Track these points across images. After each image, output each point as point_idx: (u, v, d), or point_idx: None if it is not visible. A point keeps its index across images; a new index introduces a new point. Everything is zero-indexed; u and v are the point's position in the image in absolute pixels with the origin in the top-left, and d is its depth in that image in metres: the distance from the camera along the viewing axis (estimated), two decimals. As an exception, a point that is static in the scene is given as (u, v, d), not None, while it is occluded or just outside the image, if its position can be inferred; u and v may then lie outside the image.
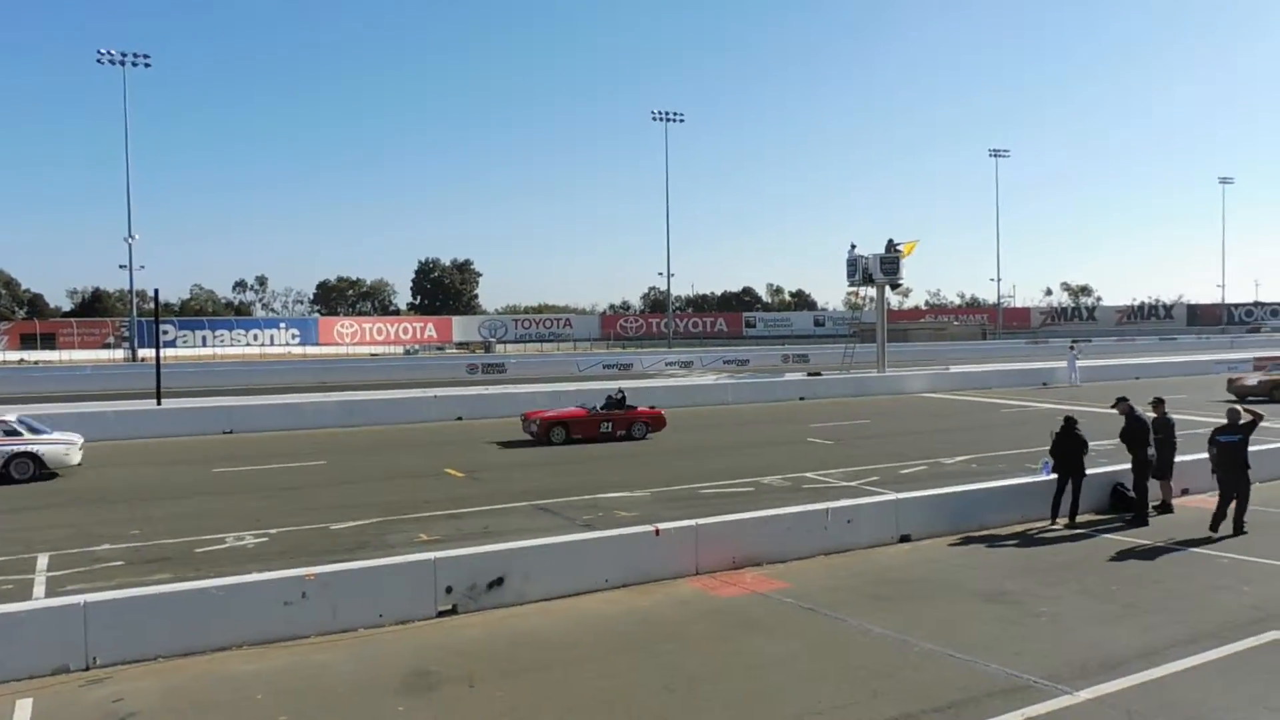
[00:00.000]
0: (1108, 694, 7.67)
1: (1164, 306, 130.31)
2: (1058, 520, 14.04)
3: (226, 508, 16.09)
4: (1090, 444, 14.39)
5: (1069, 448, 14.09)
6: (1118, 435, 14.79)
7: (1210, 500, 15.42)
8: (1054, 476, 14.23)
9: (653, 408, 26.13)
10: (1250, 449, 13.57)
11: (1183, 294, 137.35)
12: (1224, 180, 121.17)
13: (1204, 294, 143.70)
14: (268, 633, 9.14)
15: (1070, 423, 14.35)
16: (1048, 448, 14.52)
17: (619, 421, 24.69)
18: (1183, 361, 51.66)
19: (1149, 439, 14.37)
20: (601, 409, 24.86)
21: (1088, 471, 14.35)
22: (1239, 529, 13.39)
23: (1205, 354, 57.89)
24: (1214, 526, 13.43)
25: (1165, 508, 14.73)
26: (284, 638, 9.17)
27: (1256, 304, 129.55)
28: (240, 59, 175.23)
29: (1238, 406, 14.35)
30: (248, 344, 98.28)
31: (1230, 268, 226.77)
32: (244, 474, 19.86)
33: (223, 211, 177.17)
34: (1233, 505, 13.47)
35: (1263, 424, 13.68)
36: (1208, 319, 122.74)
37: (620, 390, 26.29)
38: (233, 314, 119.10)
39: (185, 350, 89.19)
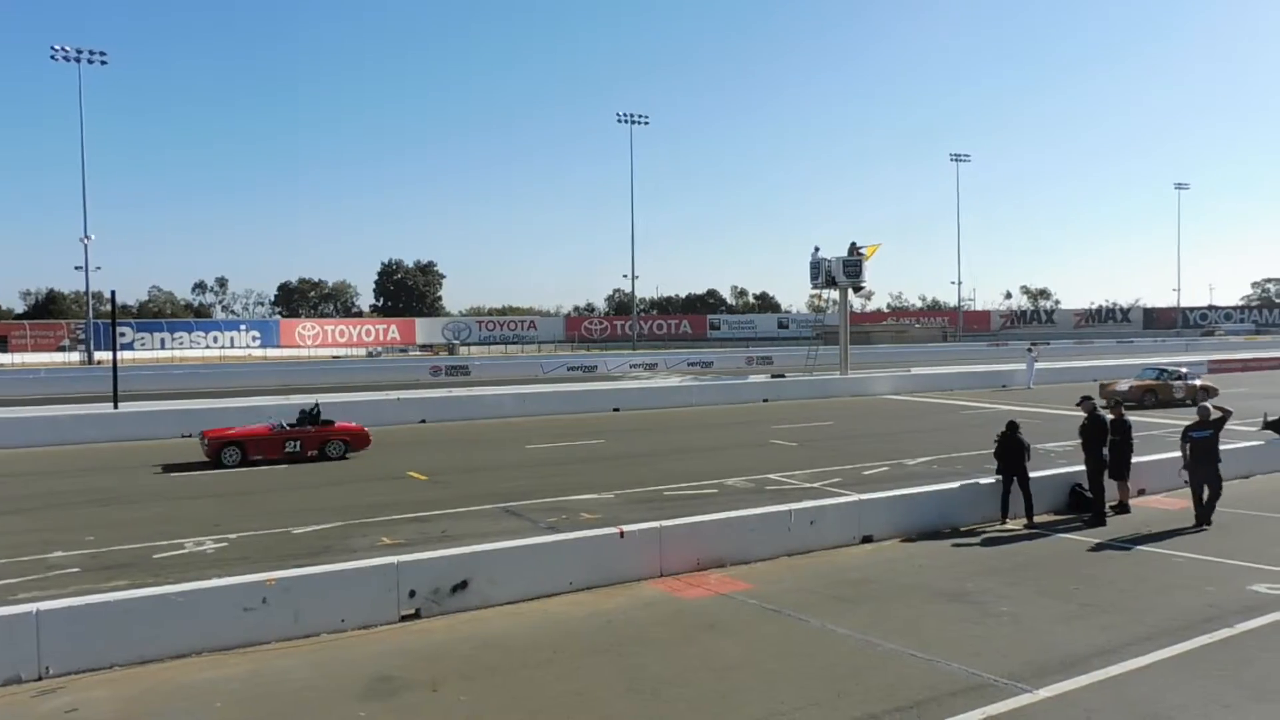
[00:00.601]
0: (1066, 692, 7.77)
1: (1121, 310, 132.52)
2: (1008, 520, 14.23)
3: (185, 513, 15.86)
4: (1051, 444, 14.59)
5: (1011, 450, 14.32)
6: (1077, 433, 15.06)
7: (1167, 500, 15.78)
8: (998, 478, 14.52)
9: (354, 424, 23.15)
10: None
11: (1139, 298, 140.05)
12: (1180, 186, 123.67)
13: (1160, 298, 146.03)
14: (228, 639, 9.02)
15: (1012, 426, 14.57)
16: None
17: (309, 440, 21.84)
18: (1139, 364, 52.42)
19: (1106, 439, 14.62)
20: (291, 425, 22.05)
21: (1044, 473, 14.54)
22: (1206, 520, 13.99)
23: (1161, 356, 58.80)
24: (1197, 522, 14.01)
25: (1122, 508, 14.95)
26: (244, 644, 9.05)
27: (1211, 308, 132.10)
28: (199, 57, 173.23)
29: (1208, 404, 14.88)
30: (207, 346, 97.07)
31: (1185, 272, 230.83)
32: (204, 478, 19.59)
33: (182, 212, 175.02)
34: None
35: (1135, 422, 14.09)
36: (1164, 322, 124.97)
37: (316, 404, 23.21)
38: (192, 316, 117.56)
39: (143, 353, 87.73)
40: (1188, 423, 14.80)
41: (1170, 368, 35.02)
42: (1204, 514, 14.06)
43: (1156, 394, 32.32)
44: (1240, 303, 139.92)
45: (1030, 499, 14.23)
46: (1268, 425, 19.64)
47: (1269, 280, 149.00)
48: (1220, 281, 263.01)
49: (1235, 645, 8.89)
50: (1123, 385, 32.92)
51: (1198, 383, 32.92)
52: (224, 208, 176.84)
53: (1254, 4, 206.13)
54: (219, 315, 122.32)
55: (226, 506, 16.37)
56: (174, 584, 9.53)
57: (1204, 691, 7.76)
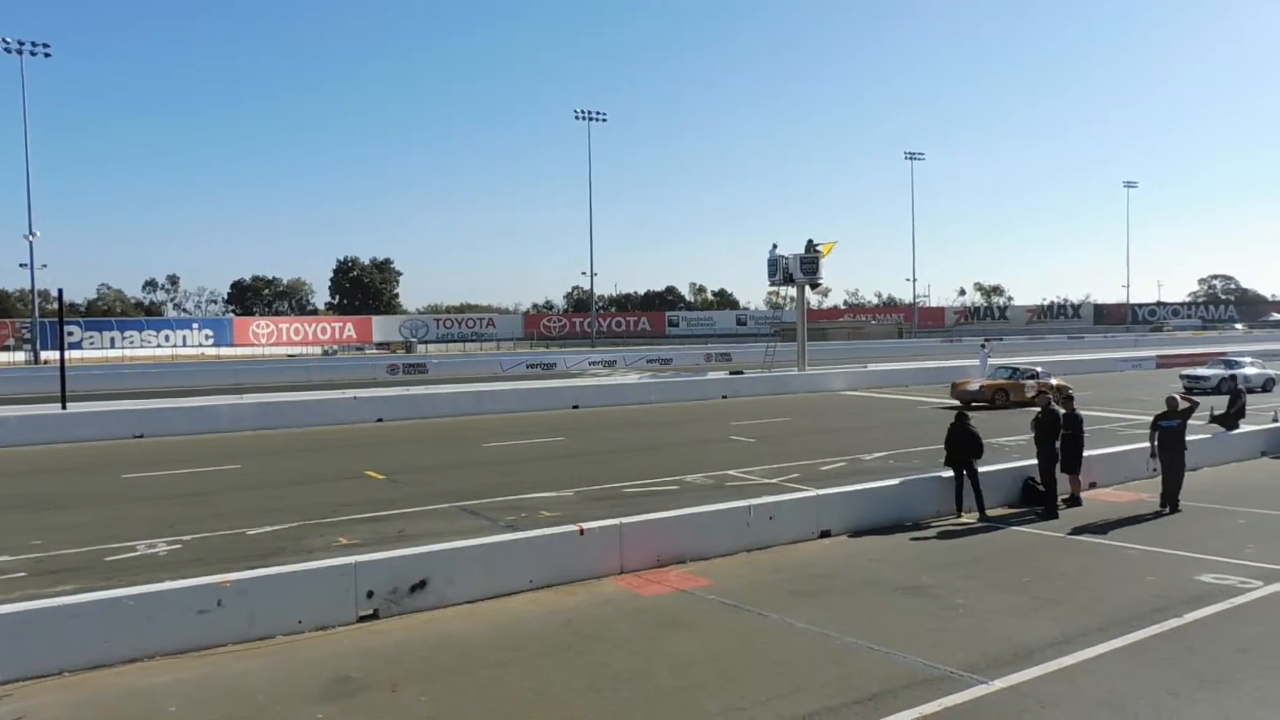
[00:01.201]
0: (1021, 683, 7.90)
1: (1072, 306, 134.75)
2: (963, 514, 14.42)
3: (137, 515, 15.59)
4: (1004, 439, 14.80)
5: (959, 441, 14.50)
6: (1029, 425, 15.31)
7: (1117, 493, 16.12)
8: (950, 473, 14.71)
9: None
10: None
11: (1090, 294, 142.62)
12: (1129, 185, 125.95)
13: (1110, 294, 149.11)
14: (182, 643, 8.88)
15: (961, 417, 14.75)
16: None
17: None
18: (1090, 359, 53.47)
19: (1059, 433, 14.87)
20: None
21: (997, 466, 14.75)
22: (1174, 506, 14.74)
23: (1111, 352, 60.04)
24: (1163, 505, 14.75)
25: (1074, 501, 15.22)
26: (199, 647, 8.92)
27: (1159, 304, 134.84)
28: (148, 50, 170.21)
29: (1176, 395, 15.65)
30: (159, 345, 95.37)
31: (1134, 269, 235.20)
32: (155, 479, 19.27)
33: (132, 208, 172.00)
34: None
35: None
36: (1113, 318, 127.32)
37: None
38: (143, 314, 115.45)
39: (92, 352, 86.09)
40: (1156, 414, 15.56)
41: (1024, 367, 34.41)
42: (1171, 501, 14.75)
43: (1008, 393, 31.66)
44: (1187, 299, 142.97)
45: (979, 491, 14.41)
46: (1214, 419, 20.10)
47: (1215, 277, 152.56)
48: (1168, 278, 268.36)
49: (1183, 635, 9.09)
50: (974, 385, 32.51)
51: (1054, 381, 31.84)
52: (176, 204, 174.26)
53: (1198, 6, 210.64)
54: (171, 314, 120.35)
55: (180, 508, 16.12)
56: (126, 587, 9.38)
57: (1153, 680, 7.93)
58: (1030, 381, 31.99)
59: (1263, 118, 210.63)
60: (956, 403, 29.97)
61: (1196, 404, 15.56)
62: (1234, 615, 9.68)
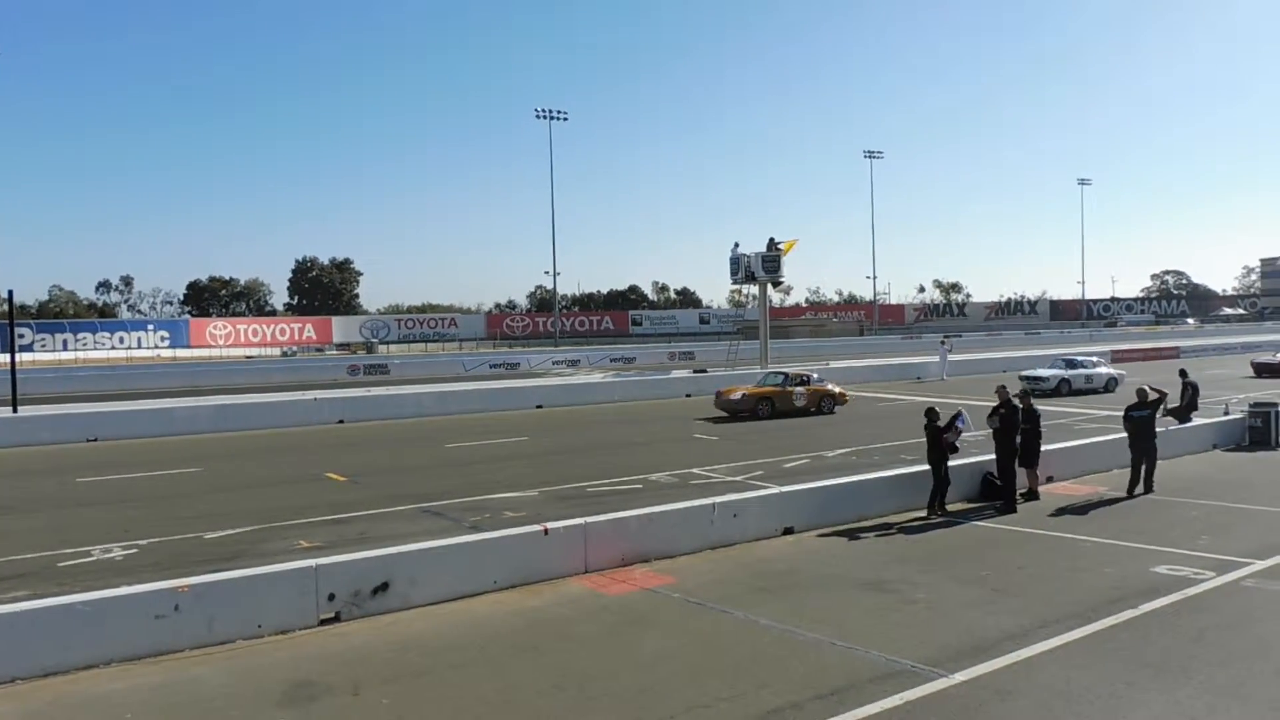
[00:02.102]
0: (980, 676, 7.99)
1: (1029, 302, 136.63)
2: (932, 510, 14.50)
3: (92, 519, 15.33)
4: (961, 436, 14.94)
5: (928, 438, 14.64)
6: (989, 419, 15.46)
7: (1074, 487, 16.38)
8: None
9: None
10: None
11: (1046, 290, 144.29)
12: (1083, 182, 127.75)
13: (1065, 290, 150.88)
14: (138, 648, 8.74)
15: (930, 415, 14.84)
16: (920, 440, 15.05)
17: None
18: (1046, 355, 54.10)
19: (1017, 428, 15.05)
20: None
21: (955, 462, 14.89)
22: (1149, 488, 15.67)
23: (1067, 347, 60.79)
24: (1131, 491, 15.60)
25: (1032, 495, 15.42)
26: (157, 653, 8.78)
27: (1113, 299, 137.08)
28: (99, 41, 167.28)
29: (1145, 386, 16.49)
30: (113, 347, 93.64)
31: (1089, 265, 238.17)
32: (110, 483, 18.95)
33: (84, 207, 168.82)
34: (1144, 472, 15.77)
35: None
36: (1069, 314, 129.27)
37: None
38: (96, 316, 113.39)
39: (44, 355, 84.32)
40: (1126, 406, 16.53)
41: (795, 372, 31.15)
42: (1147, 483, 15.73)
43: (774, 402, 28.56)
44: (1141, 294, 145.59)
45: (939, 487, 14.51)
46: (1169, 413, 20.45)
47: (1167, 273, 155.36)
48: (1122, 275, 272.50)
49: (1139, 625, 9.25)
50: (737, 393, 28.84)
51: (835, 389, 30.31)
52: (129, 203, 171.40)
53: (1152, 4, 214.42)
54: (125, 315, 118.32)
55: (136, 512, 15.86)
56: (80, 593, 9.21)
57: (1110, 671, 8.06)
58: (800, 389, 29.32)
59: (1211, 119, 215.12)
60: (938, 400, 30.15)
61: (1165, 394, 16.49)
62: (1188, 606, 9.85)
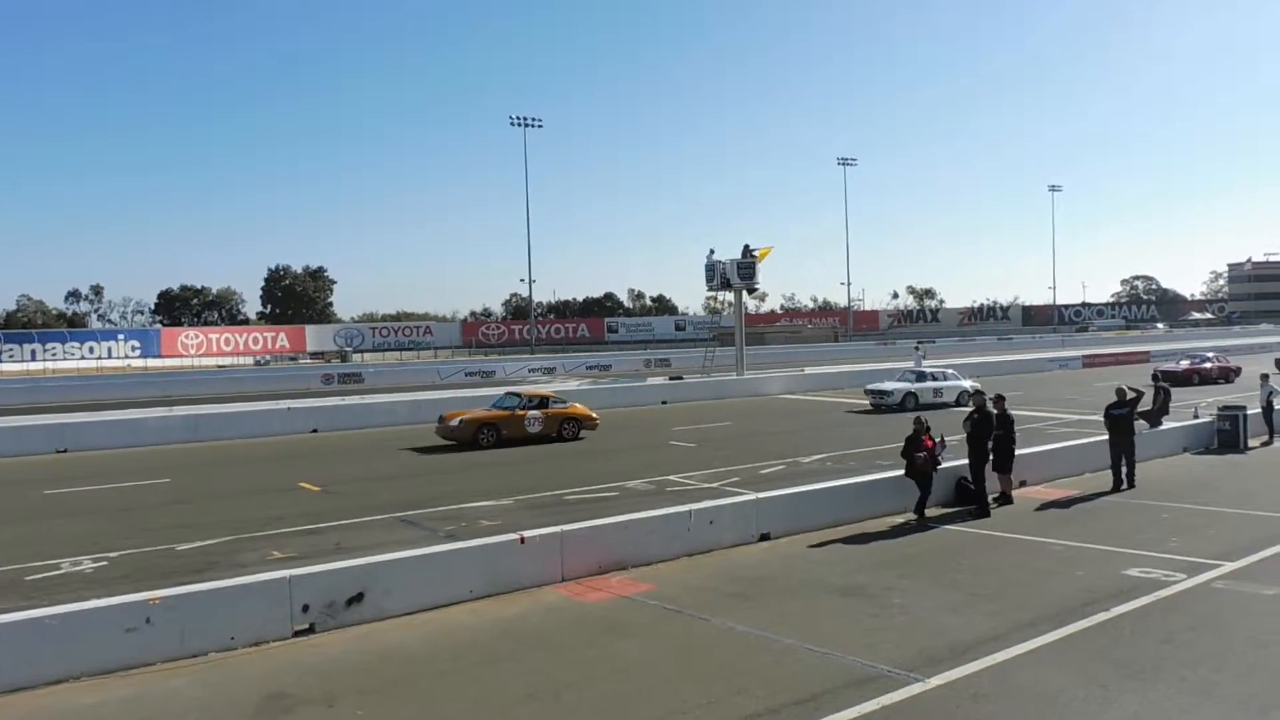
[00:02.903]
0: (956, 680, 8.03)
1: (1001, 308, 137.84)
2: (916, 515, 14.54)
3: (61, 532, 15.12)
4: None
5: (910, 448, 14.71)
6: (964, 424, 15.58)
7: (1047, 491, 16.53)
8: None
9: None
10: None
11: (1018, 295, 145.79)
12: (1054, 188, 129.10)
13: (1037, 295, 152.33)
14: (109, 662, 8.62)
15: (915, 423, 14.93)
16: (895, 445, 15.13)
17: None
18: (1019, 360, 54.62)
19: (991, 433, 15.17)
20: None
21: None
22: (1131, 484, 16.37)
23: (1039, 352, 61.44)
24: (1116, 487, 16.30)
25: (1005, 499, 15.53)
26: (128, 666, 8.67)
27: (1084, 304, 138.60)
28: (68, 48, 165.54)
29: (1124, 385, 17.49)
30: (83, 358, 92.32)
31: (1060, 271, 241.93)
32: (80, 495, 18.71)
33: (52, 215, 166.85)
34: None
35: None
36: (1041, 319, 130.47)
37: None
38: (65, 326, 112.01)
39: (12, 365, 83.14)
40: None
41: (531, 393, 27.72)
42: (1129, 479, 16.44)
43: (499, 429, 24.69)
44: (1111, 299, 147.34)
45: (922, 493, 14.60)
46: (1140, 416, 20.65)
47: (1137, 278, 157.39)
48: (1092, 280, 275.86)
49: (1111, 628, 9.32)
50: (455, 420, 24.74)
51: (581, 411, 26.55)
52: (99, 211, 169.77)
53: (1119, 12, 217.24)
54: (95, 325, 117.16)
55: (106, 524, 15.68)
56: (49, 606, 9.08)
57: (1083, 674, 8.12)
58: (535, 413, 25.45)
59: (1180, 126, 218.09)
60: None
61: (1142, 394, 17.52)
62: (1160, 608, 9.95)
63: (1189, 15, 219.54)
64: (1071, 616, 9.63)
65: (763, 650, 8.94)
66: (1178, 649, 8.69)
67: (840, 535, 13.62)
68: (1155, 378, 22.52)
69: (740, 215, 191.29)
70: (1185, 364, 39.86)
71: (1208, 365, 39.62)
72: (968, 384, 32.11)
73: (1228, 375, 39.21)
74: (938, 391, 32.16)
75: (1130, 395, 17.01)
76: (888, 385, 32.82)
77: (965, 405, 29.11)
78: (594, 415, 26.93)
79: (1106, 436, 17.07)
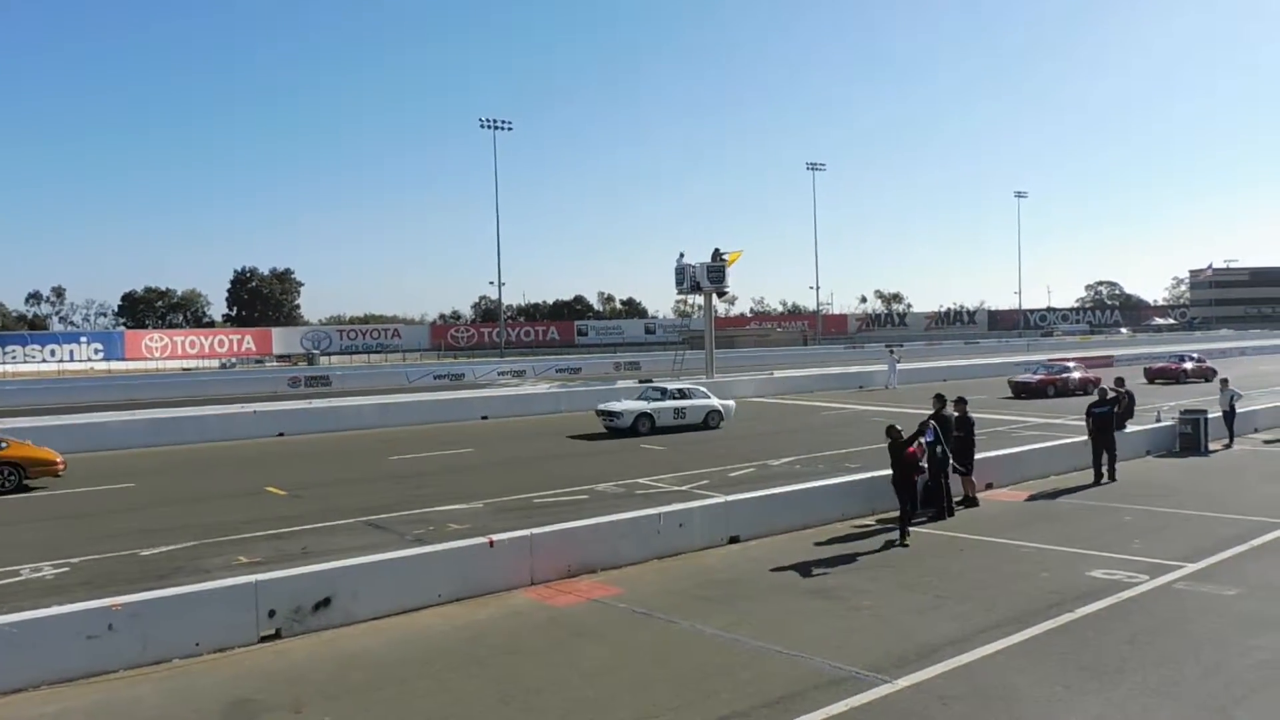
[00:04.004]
0: (923, 681, 8.10)
1: (968, 312, 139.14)
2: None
3: (20, 538, 14.87)
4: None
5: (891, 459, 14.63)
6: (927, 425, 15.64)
7: (1012, 493, 16.71)
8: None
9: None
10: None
11: (984, 300, 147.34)
12: (1019, 194, 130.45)
13: (1003, 300, 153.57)
14: (69, 670, 8.50)
15: (891, 433, 14.70)
16: (864, 448, 15.19)
17: None
18: (985, 364, 55.15)
19: (951, 434, 15.27)
20: None
21: (887, 472, 14.98)
22: (1112, 477, 17.50)
23: (1005, 356, 62.07)
24: (1097, 480, 17.45)
25: (971, 501, 15.66)
26: (89, 674, 8.55)
27: (1050, 309, 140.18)
28: (29, 45, 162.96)
29: (1106, 386, 18.74)
30: (44, 361, 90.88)
31: (1026, 276, 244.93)
32: (39, 500, 18.40)
33: (12, 216, 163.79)
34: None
35: None
36: (1007, 324, 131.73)
37: None
38: (26, 328, 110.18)
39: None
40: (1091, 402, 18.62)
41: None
42: (1110, 473, 17.58)
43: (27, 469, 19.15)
44: (1076, 304, 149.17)
45: (907, 513, 13.79)
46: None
47: (1100, 283, 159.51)
48: (1057, 285, 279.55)
49: (1074, 629, 9.44)
50: None
51: (39, 454, 19.67)
52: (61, 212, 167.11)
53: (1084, 22, 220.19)
54: (57, 327, 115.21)
55: (67, 529, 15.44)
56: (7, 614, 8.92)
57: (1048, 674, 8.21)
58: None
59: (1143, 135, 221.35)
60: (880, 408, 30.20)
61: (1122, 394, 19.08)
62: (1123, 609, 10.09)
63: (1151, 26, 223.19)
64: (1036, 618, 9.74)
65: (732, 653, 8.96)
66: (1140, 649, 8.81)
67: (809, 538, 13.69)
68: (1120, 383, 22.76)
69: (710, 219, 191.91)
70: (1173, 363, 43.41)
71: (1188, 366, 42.84)
72: (717, 403, 28.84)
73: (1207, 375, 41.09)
74: (679, 412, 27.81)
75: (1111, 395, 18.45)
76: (618, 405, 28.18)
77: (714, 426, 27.91)
78: (58, 461, 19.93)
79: (1082, 438, 18.39)
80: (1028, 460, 18.33)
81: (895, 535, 13.45)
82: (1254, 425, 23.75)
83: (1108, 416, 17.96)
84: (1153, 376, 42.11)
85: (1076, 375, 37.75)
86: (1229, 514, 14.70)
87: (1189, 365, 42.78)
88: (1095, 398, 18.42)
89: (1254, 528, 13.63)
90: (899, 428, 14.14)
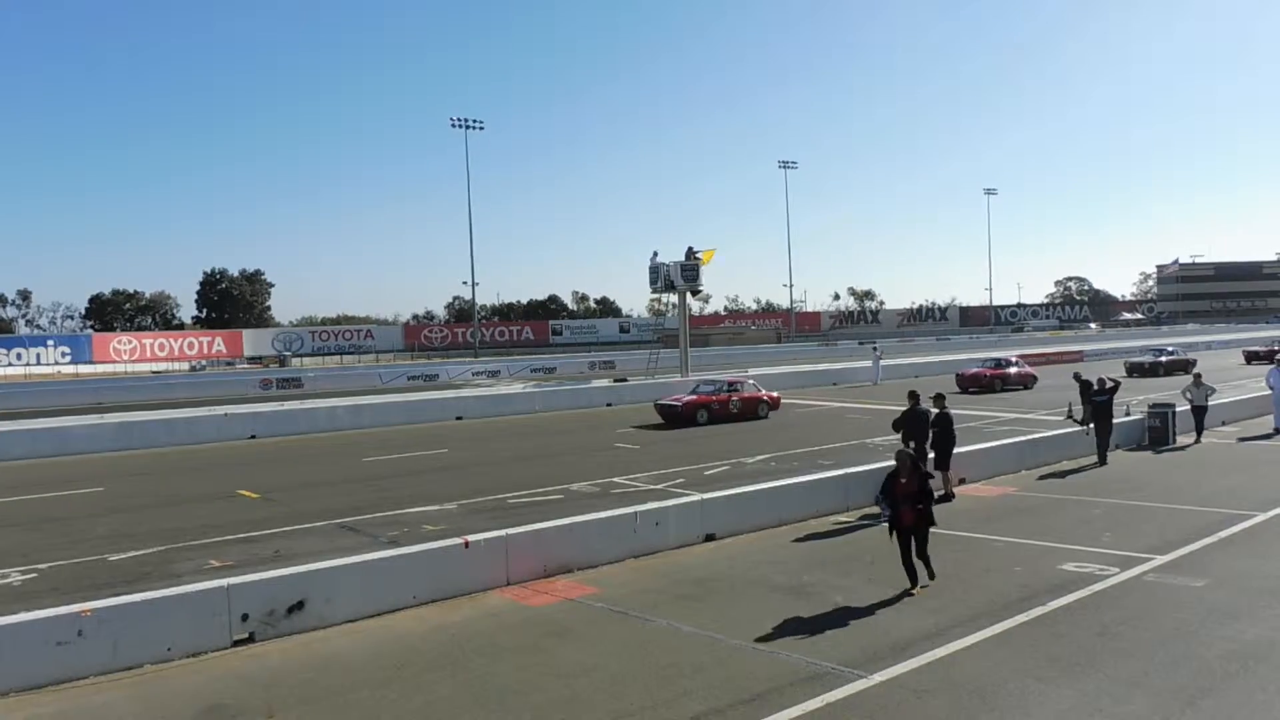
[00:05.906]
0: (898, 675, 8.14)
1: (939, 309, 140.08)
2: (846, 514, 14.64)
3: (-13, 543, 14.65)
4: (877, 439, 15.20)
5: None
6: (893, 425, 15.78)
7: (986, 488, 16.84)
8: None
9: None
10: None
11: (955, 297, 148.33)
12: (989, 191, 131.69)
13: (974, 297, 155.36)
14: (38, 677, 8.38)
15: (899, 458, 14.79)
16: (838, 445, 15.27)
17: None
18: (956, 360, 55.47)
19: (927, 431, 15.39)
20: None
21: (867, 466, 15.08)
22: (1103, 460, 18.98)
23: (977, 352, 62.41)
24: (1101, 461, 18.97)
25: (946, 497, 15.76)
26: (58, 681, 8.43)
27: (1020, 305, 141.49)
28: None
29: (1103, 376, 20.33)
30: (10, 364, 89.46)
31: (996, 272, 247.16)
32: (6, 506, 18.13)
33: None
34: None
35: None
36: (978, 320, 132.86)
37: None
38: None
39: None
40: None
41: None
42: (1101, 457, 19.02)
43: None
44: (1046, 300, 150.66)
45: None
46: (1070, 416, 21.14)
47: (1070, 279, 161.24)
48: (1028, 281, 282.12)
49: (1048, 622, 9.53)
50: None
51: None
52: (26, 214, 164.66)
53: (1056, 24, 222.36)
54: (23, 330, 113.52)
55: (34, 535, 15.23)
56: (-26, 622, 8.79)
57: (1021, 667, 8.28)
58: None
59: (1111, 134, 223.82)
60: (854, 405, 30.37)
61: (1119, 384, 20.21)
62: (1094, 601, 10.19)
63: (1122, 29, 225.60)
64: (1009, 611, 9.82)
65: (708, 650, 8.97)
66: (1111, 641, 8.90)
67: (784, 535, 13.74)
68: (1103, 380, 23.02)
69: (684, 218, 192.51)
70: (1160, 357, 45.60)
71: (1165, 359, 45.19)
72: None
73: (1186, 367, 42.50)
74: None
75: (1109, 385, 19.63)
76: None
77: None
78: None
79: (1054, 432, 19.93)
80: (1001, 455, 18.47)
81: (873, 529, 13.52)
82: (1220, 419, 24.06)
83: (1106, 404, 19.30)
84: (1132, 370, 43.13)
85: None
86: (1196, 506, 14.89)
87: (1164, 359, 44.74)
88: (1095, 387, 19.67)
89: (1221, 519, 13.82)
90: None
